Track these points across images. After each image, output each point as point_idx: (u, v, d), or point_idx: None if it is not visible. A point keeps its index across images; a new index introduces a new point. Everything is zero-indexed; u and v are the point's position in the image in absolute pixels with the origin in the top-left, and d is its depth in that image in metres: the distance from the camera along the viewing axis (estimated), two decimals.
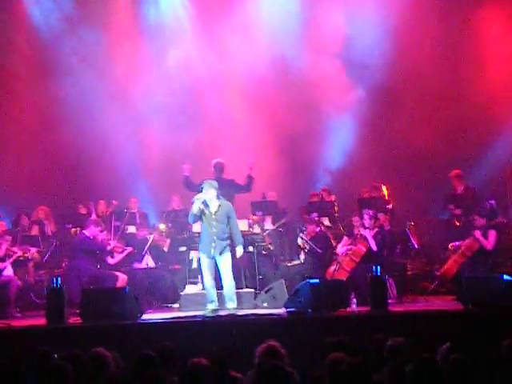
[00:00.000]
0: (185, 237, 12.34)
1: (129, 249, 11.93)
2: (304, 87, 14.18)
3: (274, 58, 14.33)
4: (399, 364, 5.47)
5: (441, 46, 13.70)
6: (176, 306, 11.35)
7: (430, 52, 13.68)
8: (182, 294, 11.42)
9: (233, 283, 10.31)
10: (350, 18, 14.34)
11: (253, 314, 10.04)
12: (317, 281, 10.21)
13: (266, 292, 11.16)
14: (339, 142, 14.50)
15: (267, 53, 14.32)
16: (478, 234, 11.29)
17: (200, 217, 10.28)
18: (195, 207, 10.20)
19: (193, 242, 11.81)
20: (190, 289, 11.56)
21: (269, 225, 12.71)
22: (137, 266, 12.06)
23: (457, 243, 11.63)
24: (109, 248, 11.66)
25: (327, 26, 14.30)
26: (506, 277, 9.81)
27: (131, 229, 12.75)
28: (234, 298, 10.32)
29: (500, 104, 13.49)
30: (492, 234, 11.29)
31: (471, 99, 13.61)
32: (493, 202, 11.80)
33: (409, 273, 12.32)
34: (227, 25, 14.39)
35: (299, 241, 12.30)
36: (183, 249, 12.34)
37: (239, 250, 10.40)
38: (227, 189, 11.18)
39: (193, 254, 12.02)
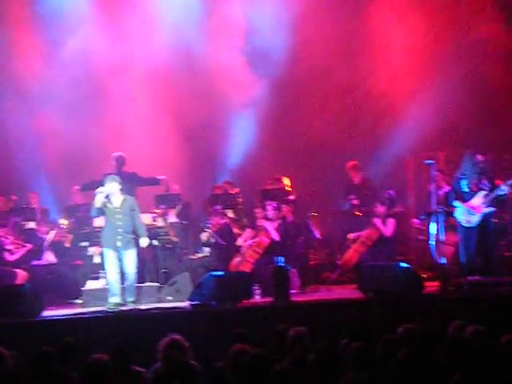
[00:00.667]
0: (87, 232, 12.14)
1: (28, 245, 11.68)
2: (208, 79, 14.13)
3: (179, 48, 14.16)
4: (301, 354, 5.57)
5: (339, 39, 13.89)
6: (79, 301, 11.17)
7: (330, 45, 13.85)
8: (84, 289, 11.24)
9: (135, 278, 10.25)
10: (252, 11, 14.39)
11: (156, 308, 10.01)
12: (220, 273, 10.27)
13: (170, 285, 11.13)
14: (242, 134, 14.53)
15: (171, 43, 14.15)
16: (377, 221, 11.62)
17: (103, 211, 10.17)
18: (97, 200, 10.08)
19: (95, 237, 11.63)
20: (92, 284, 11.39)
21: (172, 218, 12.65)
22: (37, 262, 11.81)
23: (356, 234, 11.94)
24: (7, 245, 11.38)
25: (229, 18, 14.30)
26: (402, 264, 10.13)
27: (31, 225, 12.45)
28: (135, 292, 10.27)
29: (396, 97, 13.81)
30: (391, 222, 11.66)
31: (369, 92, 13.89)
32: (391, 191, 12.11)
33: (311, 263, 12.52)
34: (130, 13, 14.17)
35: (203, 234, 12.33)
36: (85, 244, 12.15)
37: (144, 241, 10.38)
38: (129, 182, 11.10)
39: (93, 249, 11.86)
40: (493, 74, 13.23)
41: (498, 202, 10.28)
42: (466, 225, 10.25)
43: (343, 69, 13.73)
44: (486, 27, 13.43)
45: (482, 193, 10.18)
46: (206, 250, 12.37)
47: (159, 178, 12.32)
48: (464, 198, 10.25)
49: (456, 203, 10.30)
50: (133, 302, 10.15)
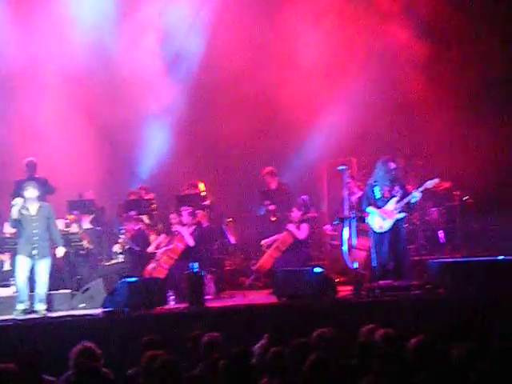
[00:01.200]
0: None
1: None
2: (124, 81, 13.97)
3: (95, 49, 13.93)
4: (214, 359, 5.57)
5: (254, 45, 13.95)
6: None
7: (245, 51, 13.89)
8: None
9: (47, 286, 10.08)
10: (168, 15, 14.31)
11: (68, 316, 9.84)
12: (134, 279, 10.18)
13: (83, 292, 10.94)
14: (157, 138, 14.44)
15: (87, 43, 13.89)
16: (290, 226, 11.74)
17: (19, 220, 9.98)
18: (14, 212, 9.92)
19: (4, 244, 11.37)
20: (1, 292, 11.09)
21: (86, 224, 12.46)
22: None
23: (270, 239, 12.03)
24: None
25: (145, 21, 14.18)
26: (316, 269, 10.26)
27: None
28: (46, 300, 10.08)
29: (310, 103, 13.93)
30: (304, 226, 11.79)
31: (283, 98, 13.98)
32: (305, 197, 12.25)
33: (226, 268, 12.55)
34: (44, 13, 13.81)
35: (115, 246, 12.21)
36: None
37: (60, 251, 10.27)
38: (41, 189, 10.90)
39: (2, 257, 11.57)
40: (404, 81, 13.52)
41: (408, 207, 10.53)
42: (378, 230, 10.45)
43: (257, 74, 13.78)
44: (397, 35, 13.71)
45: (394, 199, 10.40)
46: (121, 256, 12.23)
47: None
48: (376, 204, 10.45)
49: (369, 209, 10.50)
50: (45, 310, 9.94)
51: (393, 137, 13.32)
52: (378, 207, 10.43)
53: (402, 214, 10.46)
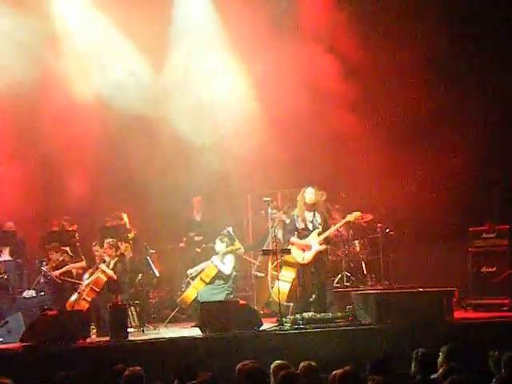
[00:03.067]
0: None
1: None
2: None
3: None
4: None
5: None
6: None
7: None
8: None
9: None
10: None
11: None
12: (55, 312, 9.97)
13: (1, 326, 10.64)
14: (80, 169, 14.14)
15: None
16: (215, 259, 11.65)
17: None
18: None
19: None
20: None
21: (6, 256, 12.18)
22: None
23: (195, 269, 11.96)
24: None
25: None
26: (241, 301, 10.25)
27: None
28: None
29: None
30: (229, 258, 11.68)
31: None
32: (230, 228, 12.23)
33: (151, 300, 12.41)
34: None
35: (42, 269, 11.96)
36: None
37: None
38: None
39: None
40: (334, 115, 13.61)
41: (331, 239, 10.66)
42: (301, 261, 10.53)
43: None
44: (326, 71, 13.82)
45: (317, 230, 10.51)
46: (42, 289, 11.98)
47: None
48: (300, 235, 10.53)
49: (292, 240, 10.57)
50: None
51: (319, 168, 13.37)
52: (301, 238, 10.52)
53: (324, 246, 10.57)
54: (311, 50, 13.64)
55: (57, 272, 11.78)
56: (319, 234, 10.48)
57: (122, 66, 13.89)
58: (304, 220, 10.53)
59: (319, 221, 10.53)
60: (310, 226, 10.53)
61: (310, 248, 10.44)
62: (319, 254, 10.47)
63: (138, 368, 6.19)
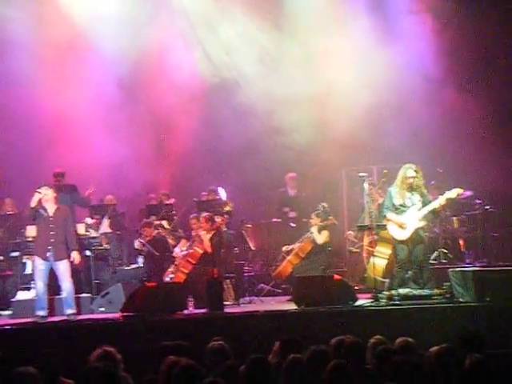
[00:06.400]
0: (18, 242, 11.89)
1: None
2: None
3: None
4: (231, 366, 5.52)
5: None
6: (7, 313, 10.91)
7: None
8: (13, 300, 10.99)
9: (71, 289, 10.08)
10: None
11: (88, 319, 9.87)
12: (153, 284, 10.19)
13: (103, 297, 10.97)
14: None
15: None
16: (313, 230, 11.72)
17: (36, 215, 9.96)
18: (34, 200, 9.87)
19: (26, 247, 11.43)
20: (22, 295, 11.15)
21: (106, 228, 12.51)
22: None
23: (290, 246, 12.04)
24: None
25: None
26: (336, 276, 10.23)
27: None
28: (74, 304, 10.08)
29: None
30: (324, 233, 11.76)
31: None
32: (325, 204, 12.21)
33: (246, 274, 12.54)
34: None
35: (136, 244, 12.24)
36: (16, 254, 11.89)
37: (75, 256, 10.17)
38: (66, 194, 11.03)
39: (26, 259, 11.64)
40: None
41: (429, 216, 10.47)
42: (398, 238, 10.40)
43: None
44: None
45: (416, 206, 10.34)
46: (140, 261, 12.27)
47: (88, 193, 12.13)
48: (397, 211, 10.40)
49: (389, 216, 10.44)
50: (73, 314, 9.95)
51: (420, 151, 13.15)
52: (398, 214, 10.38)
53: (423, 223, 10.40)
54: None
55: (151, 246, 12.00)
56: (418, 210, 10.30)
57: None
58: (403, 196, 10.37)
59: (418, 197, 10.35)
60: (409, 203, 10.36)
61: (407, 224, 10.28)
62: (417, 230, 10.30)
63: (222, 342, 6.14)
